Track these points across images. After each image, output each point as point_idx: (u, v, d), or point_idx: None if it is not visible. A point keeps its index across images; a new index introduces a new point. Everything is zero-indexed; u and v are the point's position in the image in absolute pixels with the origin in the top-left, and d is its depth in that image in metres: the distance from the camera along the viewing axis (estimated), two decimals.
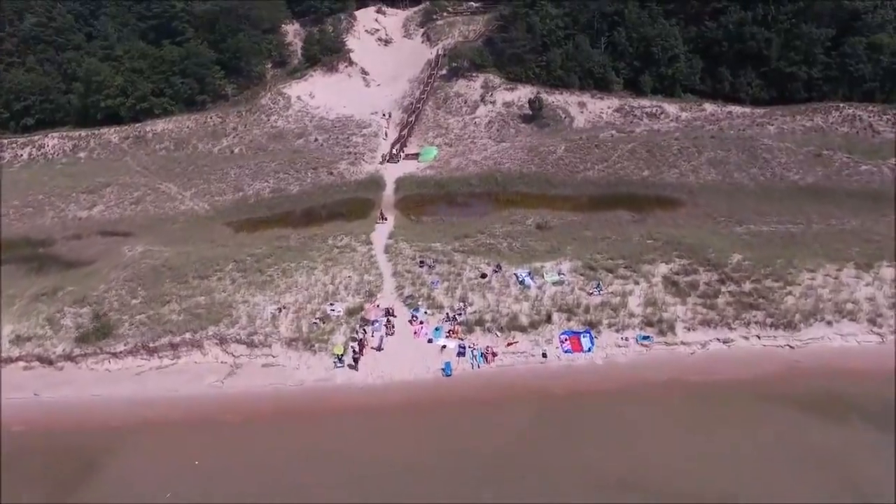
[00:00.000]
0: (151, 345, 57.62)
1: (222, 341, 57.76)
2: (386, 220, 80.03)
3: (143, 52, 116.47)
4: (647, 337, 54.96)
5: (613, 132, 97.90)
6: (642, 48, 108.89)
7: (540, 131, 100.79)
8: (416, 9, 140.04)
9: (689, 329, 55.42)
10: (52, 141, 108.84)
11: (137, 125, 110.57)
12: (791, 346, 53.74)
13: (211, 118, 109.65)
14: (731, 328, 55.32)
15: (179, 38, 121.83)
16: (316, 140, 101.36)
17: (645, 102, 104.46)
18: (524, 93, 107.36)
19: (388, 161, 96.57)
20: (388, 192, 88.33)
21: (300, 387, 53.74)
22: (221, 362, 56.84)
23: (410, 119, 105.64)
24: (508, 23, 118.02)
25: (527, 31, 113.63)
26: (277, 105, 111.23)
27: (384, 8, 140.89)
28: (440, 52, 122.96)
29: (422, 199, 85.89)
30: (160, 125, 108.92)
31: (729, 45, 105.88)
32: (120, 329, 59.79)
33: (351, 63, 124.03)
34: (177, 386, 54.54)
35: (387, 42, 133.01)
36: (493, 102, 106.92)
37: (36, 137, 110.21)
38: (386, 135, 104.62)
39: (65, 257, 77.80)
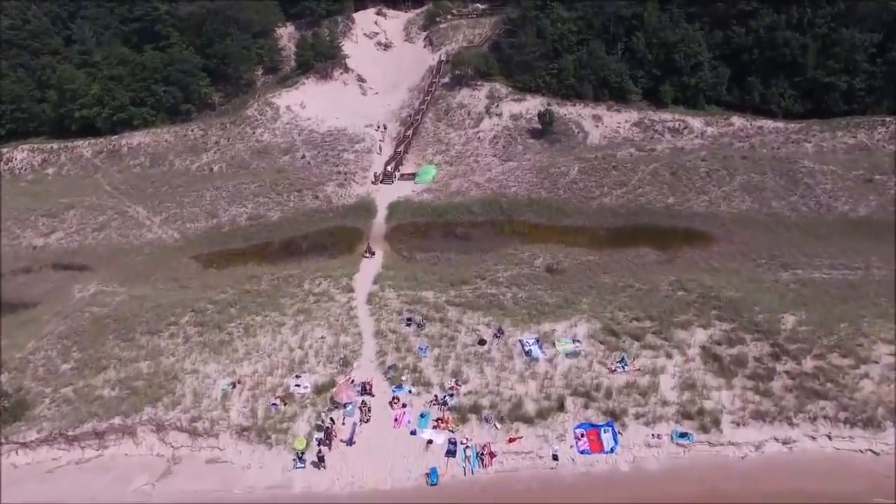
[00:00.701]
0: (72, 432, 45.04)
1: (159, 428, 45.16)
2: (373, 254, 67.38)
3: (122, 57, 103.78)
4: (686, 435, 41.82)
5: (632, 150, 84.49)
6: (663, 55, 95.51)
7: (551, 148, 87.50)
8: (418, 11, 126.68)
9: (738, 424, 42.17)
10: (20, 154, 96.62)
11: (114, 137, 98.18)
12: (875, 452, 40.44)
13: (192, 131, 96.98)
14: (792, 424, 41.95)
15: (163, 42, 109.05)
16: (303, 157, 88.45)
17: (666, 116, 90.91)
18: (533, 104, 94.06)
19: (381, 182, 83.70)
20: (379, 219, 75.46)
21: (248, 495, 41.02)
22: (157, 455, 44.23)
23: (408, 133, 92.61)
24: (516, 27, 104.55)
25: (536, 36, 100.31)
26: (264, 116, 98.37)
27: (384, 10, 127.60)
28: (443, 58, 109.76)
29: (416, 230, 72.99)
30: (137, 138, 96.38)
31: (759, 52, 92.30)
32: (37, 408, 47.30)
33: (347, 70, 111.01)
34: (96, 490, 41.91)
35: (386, 47, 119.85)
36: (500, 115, 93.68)
37: (4, 150, 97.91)
38: (380, 149, 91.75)
39: (6, 297, 65.48)
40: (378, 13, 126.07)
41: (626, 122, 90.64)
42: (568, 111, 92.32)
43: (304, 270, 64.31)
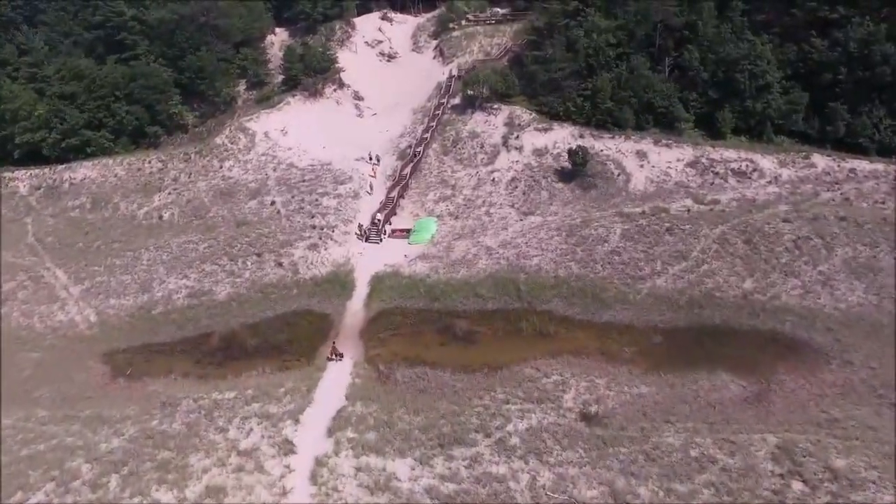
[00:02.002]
0: None
1: None
2: (341, 358, 46.06)
3: (77, 71, 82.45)
4: None
5: (689, 202, 61.54)
6: (721, 74, 72.48)
7: (584, 196, 64.85)
8: (429, 15, 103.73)
9: None
10: None
11: (59, 169, 77.29)
12: None
13: (149, 163, 75.70)
14: None
15: (128, 53, 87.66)
16: (273, 203, 66.66)
17: (730, 154, 67.61)
18: (562, 135, 71.30)
19: (366, 239, 61.88)
20: (357, 301, 53.73)
21: None
22: None
23: (405, 172, 70.34)
24: (542, 37, 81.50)
25: (566, 50, 77.40)
26: (236, 146, 76.69)
27: (391, 14, 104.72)
28: (454, 73, 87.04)
29: (403, 321, 51.09)
30: (82, 171, 75.37)
31: (848, 71, 68.64)
32: None
33: (341, 85, 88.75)
34: None
35: (390, 57, 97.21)
36: (520, 148, 71.02)
37: None
38: (371, 189, 69.88)
39: None
40: (383, 17, 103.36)
41: (679, 160, 67.49)
42: (605, 146, 69.34)
43: (240, 392, 42.80)
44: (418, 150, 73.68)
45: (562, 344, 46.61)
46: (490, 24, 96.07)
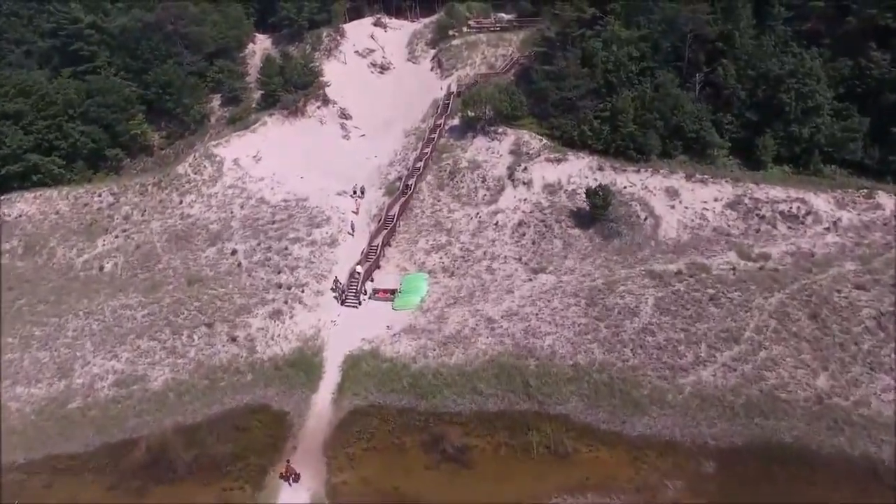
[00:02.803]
0: None
1: None
2: (297, 479, 34.11)
3: (22, 87, 69.86)
4: None
5: (733, 258, 48.86)
6: (761, 93, 60.04)
7: (605, 247, 52.20)
8: (427, 21, 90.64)
9: None
10: None
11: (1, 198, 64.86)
12: None
13: (99, 196, 63.49)
14: None
15: (86, 65, 75.17)
16: (234, 253, 54.29)
17: (777, 193, 54.72)
18: (578, 167, 58.59)
19: (343, 301, 49.51)
20: (324, 393, 41.54)
21: None
22: None
23: (392, 212, 57.78)
24: (554, 49, 68.59)
25: (582, 64, 64.78)
26: (201, 175, 64.22)
27: (385, 19, 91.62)
28: (453, 89, 74.25)
29: (380, 427, 38.75)
30: (19, 206, 62.92)
31: None
32: None
33: (326, 102, 76.00)
34: None
35: (383, 69, 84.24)
36: (528, 183, 58.36)
37: None
38: (352, 229, 57.52)
39: None
40: (376, 24, 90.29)
41: (716, 200, 54.66)
42: (629, 181, 56.59)
43: None
44: (409, 183, 61.04)
45: (583, 470, 34.30)
46: (494, 31, 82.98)
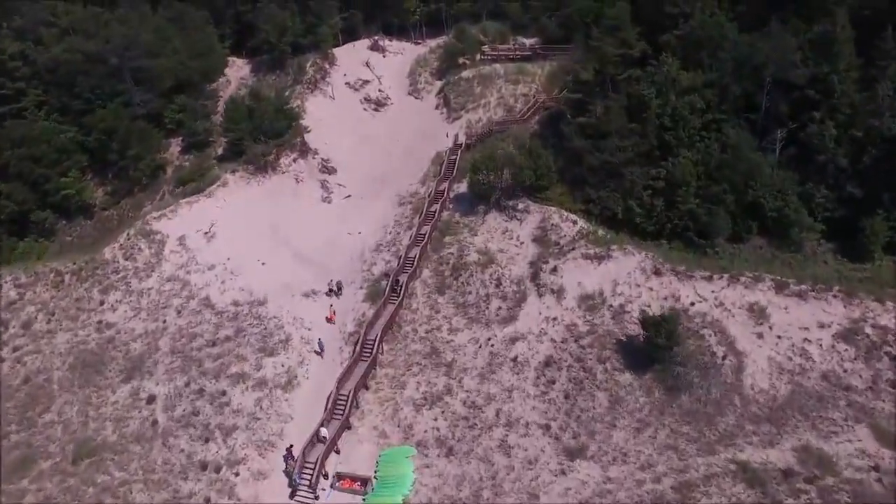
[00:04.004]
0: None
1: None
2: None
3: None
4: None
5: (866, 437, 31.15)
6: (869, 160, 43.13)
7: (669, 405, 34.95)
8: (433, 43, 72.66)
9: None
10: None
11: None
12: None
13: (4, 283, 46.72)
14: None
15: (10, 107, 58.59)
16: (150, 401, 37.61)
17: None
18: (627, 268, 41.29)
19: (293, 493, 32.59)
20: None
21: None
22: None
23: (371, 335, 40.53)
24: (591, 94, 50.71)
25: (628, 117, 47.27)
26: (134, 261, 47.64)
27: (383, 41, 73.68)
28: (461, 139, 56.87)
29: None
30: None
31: None
32: None
33: (305, 153, 59.03)
34: None
35: (378, 105, 66.73)
36: (559, 292, 41.10)
37: None
38: (321, 349, 40.81)
39: None
40: (373, 47, 72.53)
41: (822, 327, 37.34)
42: (697, 293, 39.18)
43: None
44: (400, 281, 43.82)
45: None
46: (513, 59, 64.97)
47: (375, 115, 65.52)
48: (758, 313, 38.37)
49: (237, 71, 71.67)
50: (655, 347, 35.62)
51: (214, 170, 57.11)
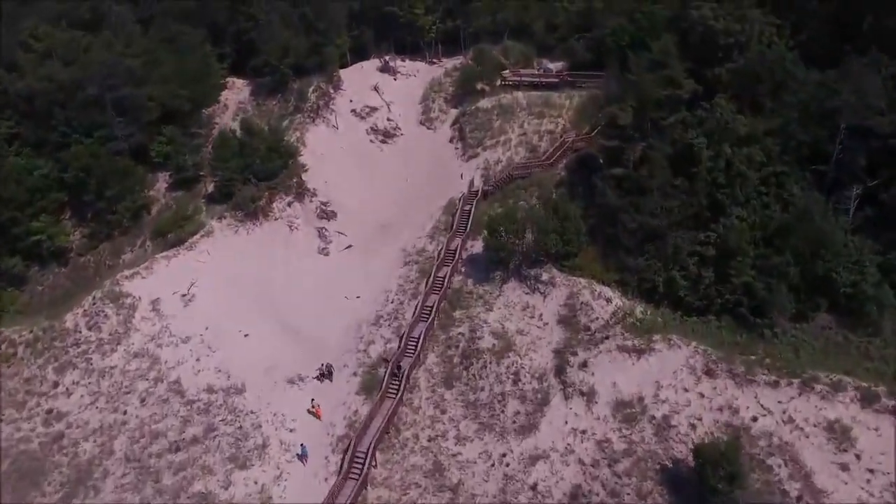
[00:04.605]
0: None
1: None
2: None
3: None
4: None
5: None
6: None
7: None
8: (450, 64, 64.60)
9: None
10: None
11: None
12: None
13: None
14: None
15: None
16: None
17: None
18: (673, 366, 33.19)
19: None
20: None
21: None
22: None
23: (365, 445, 32.99)
24: (630, 140, 42.27)
25: (673, 170, 39.02)
26: (97, 333, 40.66)
27: (395, 61, 65.65)
28: (478, 184, 49.02)
29: None
30: None
31: None
32: None
33: (301, 195, 51.72)
34: None
35: (386, 136, 59.08)
36: (589, 394, 33.27)
37: None
38: (304, 456, 33.30)
39: None
40: (383, 68, 64.70)
41: None
42: (760, 404, 31.10)
43: None
44: (398, 367, 36.30)
45: None
46: (538, 86, 56.59)
47: (383, 148, 57.91)
48: (839, 434, 30.19)
49: (236, 94, 64.49)
50: (713, 491, 27.58)
51: (201, 215, 49.92)
